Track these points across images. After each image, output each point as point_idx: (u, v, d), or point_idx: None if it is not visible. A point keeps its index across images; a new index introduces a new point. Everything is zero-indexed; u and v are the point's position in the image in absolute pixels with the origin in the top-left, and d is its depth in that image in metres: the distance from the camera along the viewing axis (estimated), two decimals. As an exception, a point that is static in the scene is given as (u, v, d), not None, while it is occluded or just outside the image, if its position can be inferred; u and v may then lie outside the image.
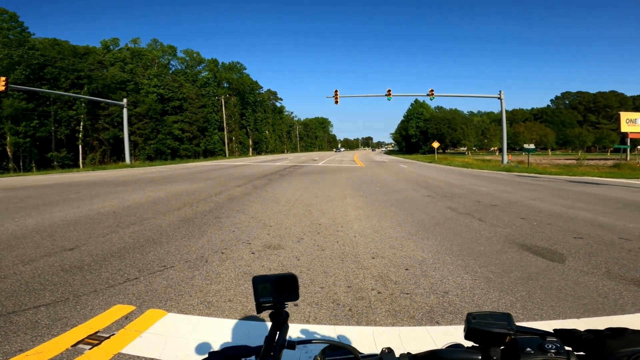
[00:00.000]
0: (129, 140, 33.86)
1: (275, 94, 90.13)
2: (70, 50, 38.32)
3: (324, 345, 0.71)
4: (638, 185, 11.83)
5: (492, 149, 76.46)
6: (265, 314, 2.30)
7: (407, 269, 3.64)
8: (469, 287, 3.17)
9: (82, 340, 2.26)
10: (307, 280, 3.34)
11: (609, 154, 55.01)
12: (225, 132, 57.31)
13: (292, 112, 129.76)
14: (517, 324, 0.60)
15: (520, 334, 0.60)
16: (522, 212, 6.74)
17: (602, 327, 0.60)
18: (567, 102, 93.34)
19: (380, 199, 8.65)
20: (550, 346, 0.56)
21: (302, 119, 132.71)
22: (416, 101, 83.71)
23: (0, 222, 5.86)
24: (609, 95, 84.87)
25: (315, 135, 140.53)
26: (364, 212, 6.82)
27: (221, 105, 57.22)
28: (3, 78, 20.52)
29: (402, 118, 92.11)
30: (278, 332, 0.68)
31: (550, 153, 66.15)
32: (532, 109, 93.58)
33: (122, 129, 33.70)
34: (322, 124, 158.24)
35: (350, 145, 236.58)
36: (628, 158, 27.94)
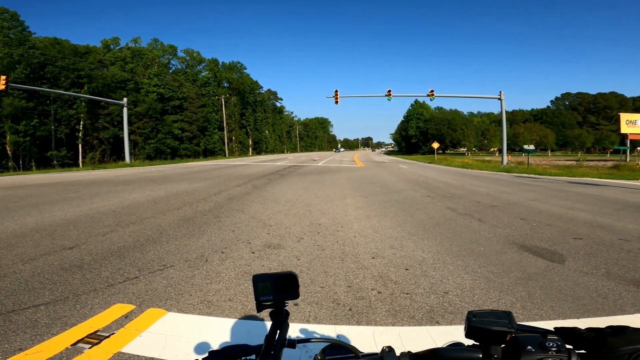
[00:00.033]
0: (129, 139, 33.87)
1: (275, 93, 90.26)
2: (71, 49, 38.32)
3: (324, 344, 0.71)
4: (637, 187, 11.84)
5: (492, 149, 76.50)
6: (265, 314, 2.30)
7: (407, 269, 3.64)
8: (469, 287, 3.17)
9: (82, 339, 2.26)
10: (307, 280, 3.34)
11: (608, 155, 55.06)
12: (225, 132, 57.30)
13: (292, 112, 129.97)
14: (517, 323, 0.60)
15: (521, 332, 0.60)
16: (522, 213, 6.74)
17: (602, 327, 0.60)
18: (567, 103, 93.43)
19: (380, 199, 8.65)
20: (551, 344, 0.56)
21: (302, 119, 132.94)
22: (416, 102, 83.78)
23: (0, 221, 5.86)
24: (609, 97, 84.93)
25: (315, 135, 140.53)
26: (363, 212, 6.82)
27: (221, 104, 57.21)
28: (3, 77, 20.50)
29: (402, 118, 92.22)
30: (278, 331, 0.68)
31: (550, 154, 66.18)
32: (532, 109, 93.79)
33: (122, 128, 33.70)
34: (322, 124, 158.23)
35: (350, 145, 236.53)
36: (628, 159, 27.94)
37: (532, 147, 24.91)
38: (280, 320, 0.69)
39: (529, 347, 0.56)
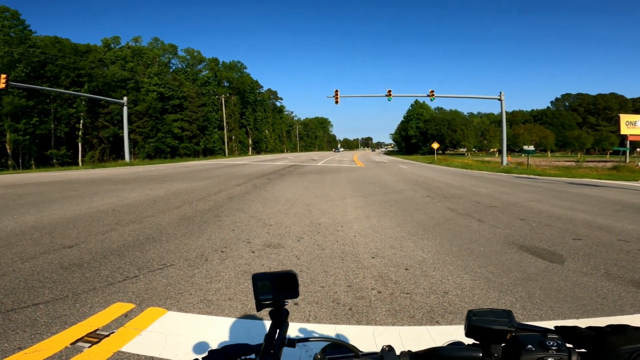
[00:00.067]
0: (129, 138, 33.87)
1: (275, 93, 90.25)
2: (71, 48, 38.30)
3: (324, 344, 0.71)
4: (637, 188, 11.85)
5: (492, 150, 76.54)
6: (265, 313, 2.30)
7: (407, 269, 3.65)
8: (468, 287, 3.17)
9: (82, 338, 2.26)
10: (307, 280, 3.34)
11: (608, 156, 55.10)
12: (225, 131, 57.28)
13: (292, 112, 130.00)
14: (518, 322, 0.60)
15: (521, 331, 0.60)
16: (522, 214, 6.75)
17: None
18: (567, 104, 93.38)
19: (380, 199, 8.65)
20: (551, 343, 0.56)
21: (302, 119, 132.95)
22: (416, 102, 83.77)
23: (-1, 220, 5.86)
24: (609, 98, 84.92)
25: (315, 135, 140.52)
26: (363, 212, 6.82)
27: (221, 104, 57.20)
28: (4, 75, 20.50)
29: (402, 119, 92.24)
30: (278, 330, 0.68)
31: (549, 155, 66.25)
32: (532, 110, 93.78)
33: (122, 127, 33.70)
34: (322, 124, 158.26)
35: (349, 145, 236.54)
36: (627, 160, 27.96)
37: (531, 147, 24.93)
38: (280, 320, 0.69)
39: (529, 346, 0.56)
